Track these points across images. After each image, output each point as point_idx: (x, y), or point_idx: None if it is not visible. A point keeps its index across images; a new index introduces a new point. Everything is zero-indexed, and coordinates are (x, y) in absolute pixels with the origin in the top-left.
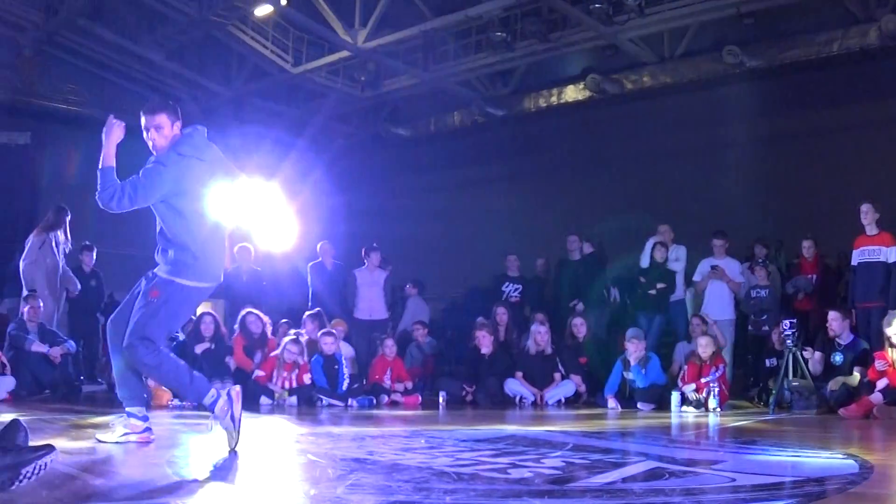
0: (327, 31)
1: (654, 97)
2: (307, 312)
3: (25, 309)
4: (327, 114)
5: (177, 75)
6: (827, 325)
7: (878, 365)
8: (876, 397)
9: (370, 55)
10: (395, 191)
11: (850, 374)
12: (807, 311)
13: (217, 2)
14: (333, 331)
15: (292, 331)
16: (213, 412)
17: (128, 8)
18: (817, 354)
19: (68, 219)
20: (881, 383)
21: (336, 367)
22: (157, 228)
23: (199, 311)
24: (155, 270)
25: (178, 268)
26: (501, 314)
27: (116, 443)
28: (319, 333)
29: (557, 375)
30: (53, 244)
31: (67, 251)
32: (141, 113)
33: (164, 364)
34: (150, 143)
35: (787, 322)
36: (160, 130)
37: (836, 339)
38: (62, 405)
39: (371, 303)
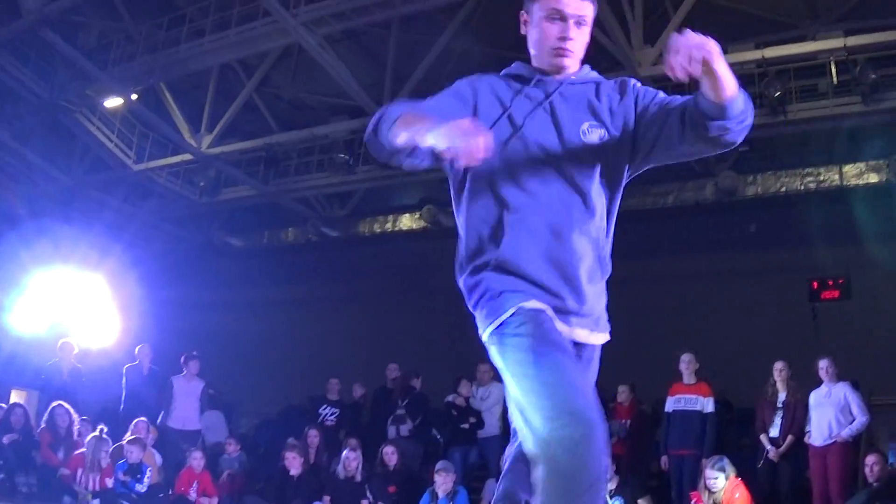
0: (173, 132)
1: None
2: (136, 420)
3: None
4: (162, 215)
5: (20, 156)
6: None
7: None
8: None
9: (212, 161)
10: (222, 299)
11: None
12: (620, 456)
13: (70, 87)
14: (141, 438)
15: (99, 427)
16: None
17: None
18: None
19: None
20: None
21: (139, 475)
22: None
23: (12, 400)
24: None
25: None
26: (313, 437)
27: None
28: (125, 441)
29: (365, 503)
30: None
31: None
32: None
33: None
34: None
35: None
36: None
37: None
38: None
39: (185, 412)
